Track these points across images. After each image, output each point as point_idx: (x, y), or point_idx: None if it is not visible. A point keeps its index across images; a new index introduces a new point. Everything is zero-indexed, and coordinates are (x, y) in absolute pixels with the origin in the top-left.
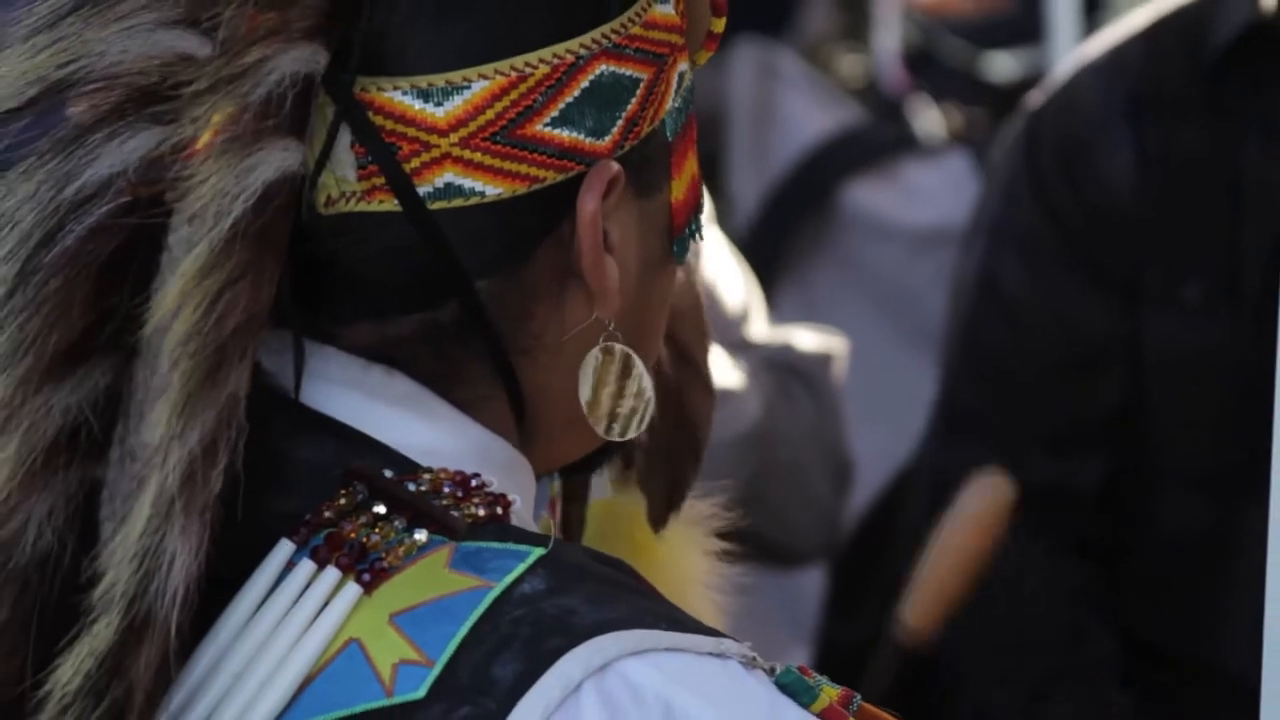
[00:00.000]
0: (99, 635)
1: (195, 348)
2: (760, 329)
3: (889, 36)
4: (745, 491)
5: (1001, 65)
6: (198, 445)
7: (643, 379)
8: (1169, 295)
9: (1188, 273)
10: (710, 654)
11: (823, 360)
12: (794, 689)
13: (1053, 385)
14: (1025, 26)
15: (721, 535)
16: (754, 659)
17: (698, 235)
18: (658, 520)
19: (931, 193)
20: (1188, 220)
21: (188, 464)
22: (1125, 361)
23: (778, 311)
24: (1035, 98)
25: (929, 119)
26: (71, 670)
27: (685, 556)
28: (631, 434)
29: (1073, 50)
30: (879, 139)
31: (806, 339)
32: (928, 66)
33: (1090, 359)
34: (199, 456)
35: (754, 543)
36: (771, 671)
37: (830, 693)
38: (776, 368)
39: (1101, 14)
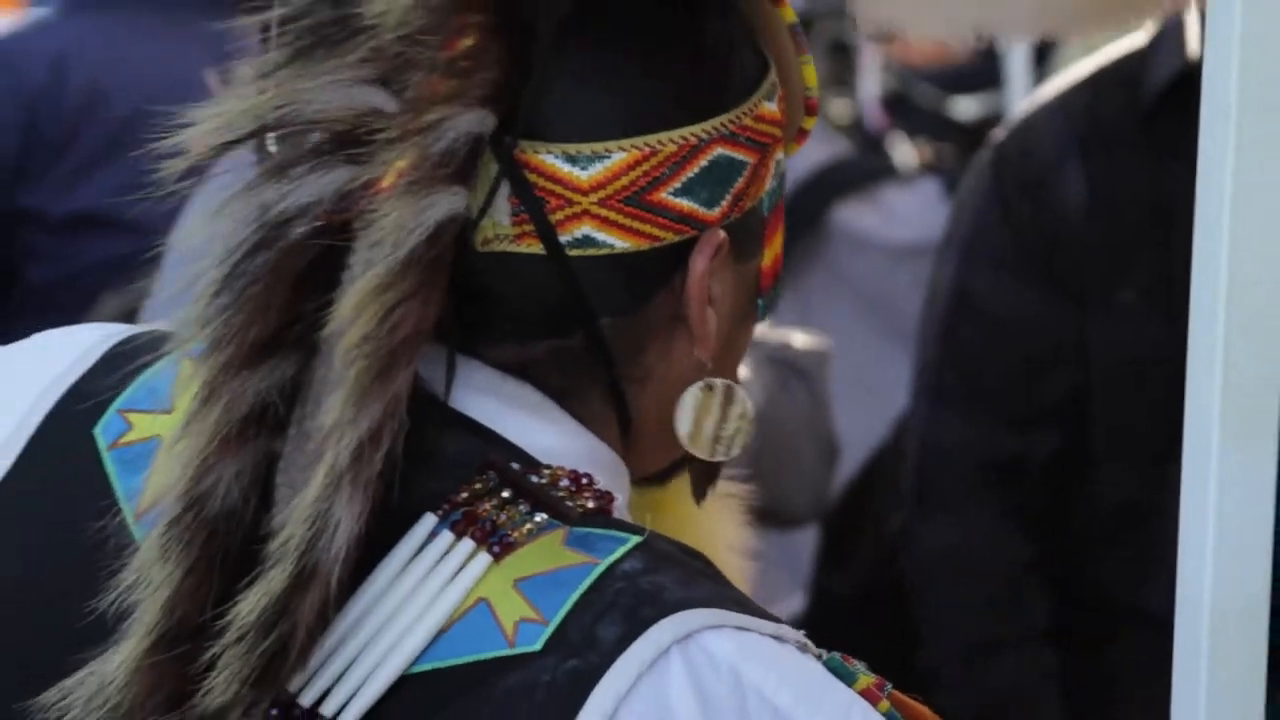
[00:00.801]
0: (274, 579)
1: (370, 350)
2: (762, 330)
3: (871, 83)
4: (749, 467)
5: (965, 107)
6: (366, 431)
7: (745, 404)
8: (1109, 301)
9: (1125, 282)
10: (771, 636)
11: (815, 357)
12: (839, 672)
13: (1016, 375)
14: (986, 74)
15: (740, 505)
16: (806, 645)
17: (778, 298)
18: (699, 495)
19: (908, 214)
20: (1127, 238)
21: (356, 446)
22: (1075, 357)
23: (776, 315)
24: (998, 134)
25: (905, 152)
26: (250, 606)
27: (719, 523)
28: (734, 453)
29: (1026, 94)
30: (863, 168)
31: (801, 338)
32: (903, 108)
33: (1047, 355)
34: (366, 441)
35: (757, 510)
36: (819, 656)
37: (866, 679)
38: (776, 363)
39: (1050, 64)
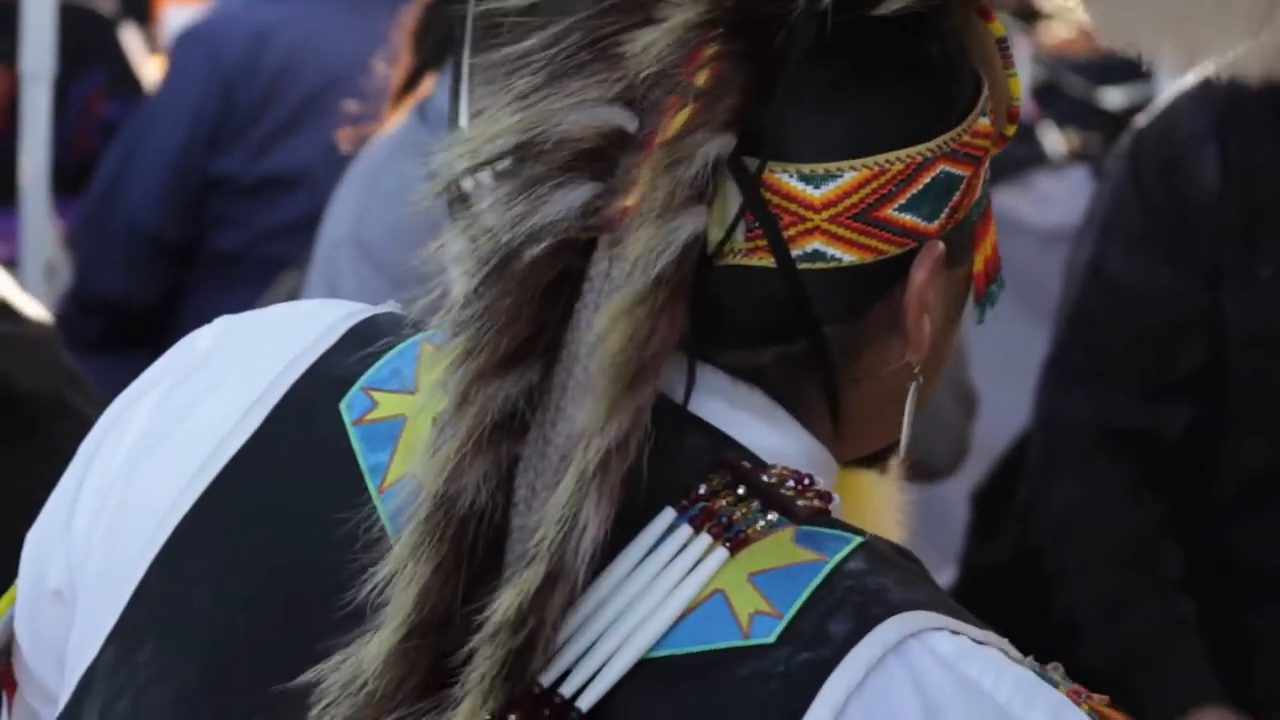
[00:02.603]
0: (528, 580)
1: (621, 362)
2: None
3: (1022, 74)
4: None
5: (1113, 97)
6: (614, 440)
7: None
8: (1246, 276)
9: (1262, 257)
10: (980, 641)
11: None
12: (1040, 677)
13: (1146, 349)
14: (1133, 65)
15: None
16: (1007, 650)
17: (996, 298)
18: (879, 465)
19: (1057, 199)
20: (1264, 215)
21: (604, 453)
22: (1208, 331)
23: None
24: (1140, 119)
25: (1055, 140)
26: (506, 604)
27: (884, 490)
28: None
29: (1172, 84)
30: (1015, 156)
31: None
32: (1053, 98)
33: (1178, 328)
34: (614, 449)
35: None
36: (1020, 661)
37: (1065, 685)
38: None
39: None
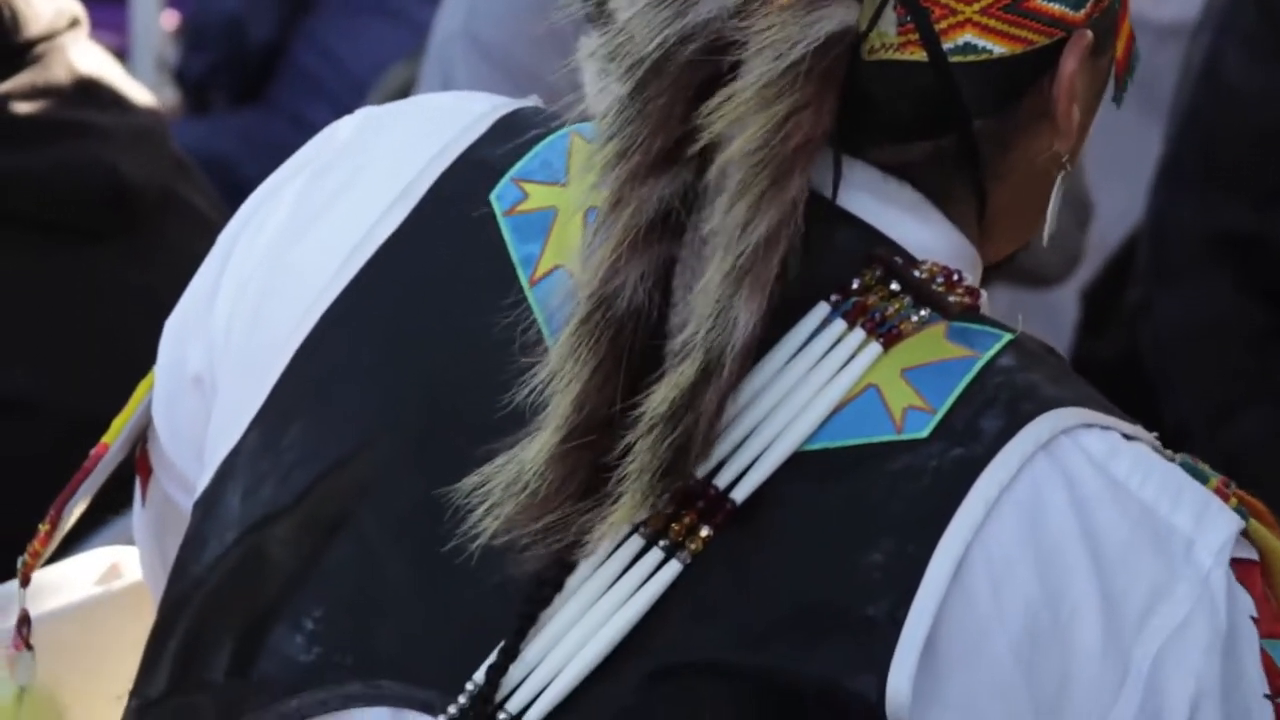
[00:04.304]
0: (683, 374)
1: (764, 157)
2: None
3: None
4: None
5: None
6: (763, 235)
7: None
8: None
9: None
10: (1129, 436)
11: None
12: (1191, 471)
13: (1260, 152)
14: None
15: (988, 266)
16: (1158, 446)
17: (1130, 82)
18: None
19: None
20: None
21: (754, 248)
22: None
23: None
24: None
25: None
26: (660, 399)
27: None
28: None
29: None
30: None
31: None
32: None
33: None
34: (763, 243)
35: (1014, 271)
36: (1171, 458)
37: (1214, 479)
38: None
39: None
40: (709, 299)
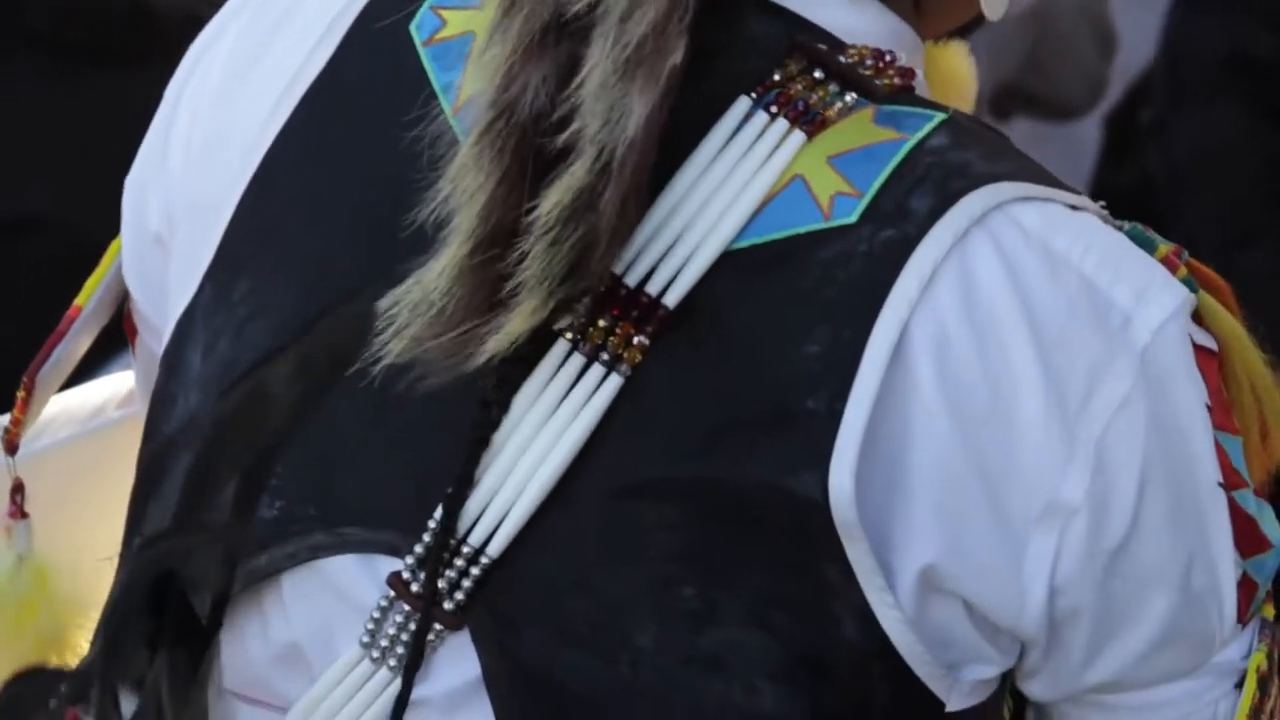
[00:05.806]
0: (575, 174)
1: None
2: None
3: None
4: (1026, 60)
5: None
6: (650, 25)
7: None
8: None
9: None
10: (1073, 206)
11: None
12: (1139, 240)
13: None
14: None
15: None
16: (1105, 216)
17: None
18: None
19: None
20: None
21: (640, 41)
22: None
23: None
24: None
25: None
26: (552, 202)
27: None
28: (1002, 13)
29: None
30: None
31: None
32: None
33: None
34: (649, 34)
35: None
36: (1120, 227)
37: (1164, 247)
38: None
39: None
40: (595, 95)
